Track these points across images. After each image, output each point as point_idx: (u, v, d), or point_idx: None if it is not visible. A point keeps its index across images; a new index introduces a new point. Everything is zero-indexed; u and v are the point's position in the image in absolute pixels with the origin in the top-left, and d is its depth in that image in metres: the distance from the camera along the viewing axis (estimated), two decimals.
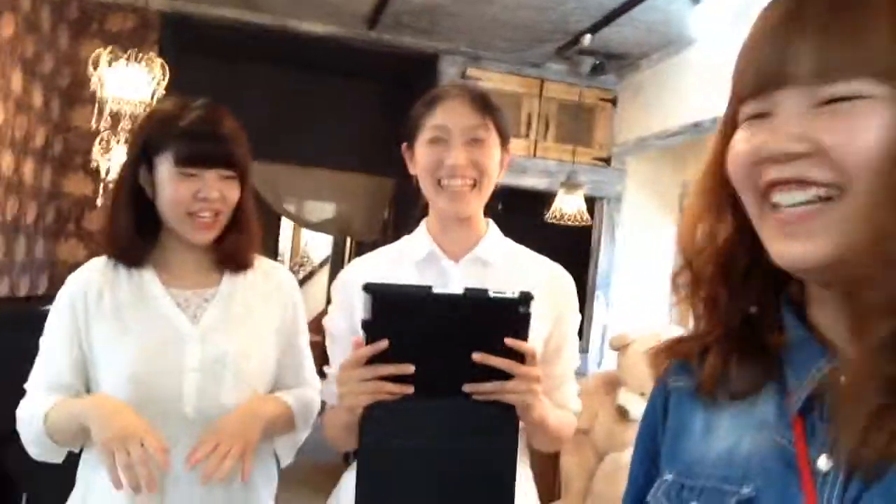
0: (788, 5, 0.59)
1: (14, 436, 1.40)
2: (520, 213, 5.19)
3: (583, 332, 4.73)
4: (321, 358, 1.45)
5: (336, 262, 8.14)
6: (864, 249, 0.55)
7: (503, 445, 1.09)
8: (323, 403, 1.49)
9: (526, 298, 1.01)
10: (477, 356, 1.02)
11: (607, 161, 4.85)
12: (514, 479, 1.08)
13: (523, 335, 1.04)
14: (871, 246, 0.54)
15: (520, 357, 1.05)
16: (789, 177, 0.57)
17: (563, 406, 1.36)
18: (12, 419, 1.40)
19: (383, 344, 1.03)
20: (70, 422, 1.32)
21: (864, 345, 0.56)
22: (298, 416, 1.47)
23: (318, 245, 9.72)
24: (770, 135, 0.58)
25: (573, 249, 4.57)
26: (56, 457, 1.41)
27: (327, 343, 1.42)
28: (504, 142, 1.37)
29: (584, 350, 4.63)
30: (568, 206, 4.22)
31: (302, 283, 8.57)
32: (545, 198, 4.54)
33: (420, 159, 1.35)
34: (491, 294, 1.02)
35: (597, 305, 4.80)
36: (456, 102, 1.33)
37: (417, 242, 1.40)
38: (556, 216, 4.21)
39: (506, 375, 1.04)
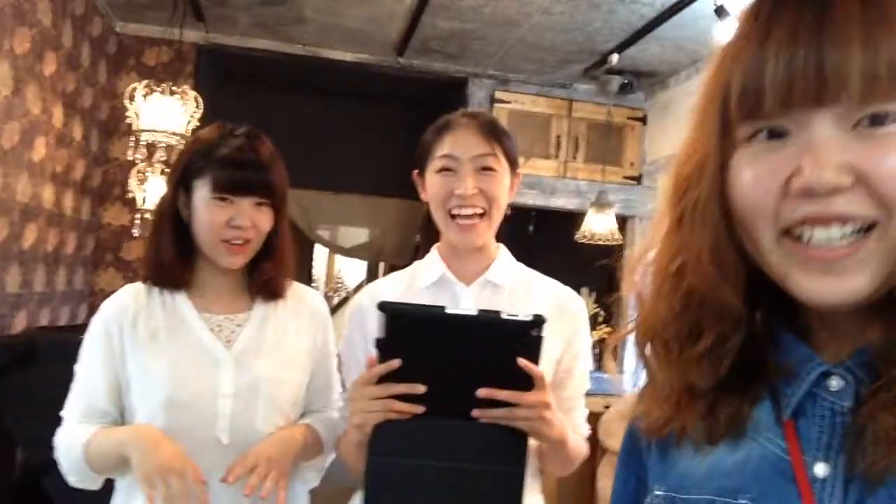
0: (806, 8, 0.52)
1: (54, 462, 1.42)
2: (551, 234, 5.19)
3: (617, 352, 4.68)
4: None
5: None
6: None
7: (511, 469, 1.08)
8: None
9: (538, 321, 1.01)
10: (482, 392, 1.02)
11: (638, 180, 4.83)
12: (521, 495, 1.08)
13: (535, 357, 1.04)
14: None
15: (529, 380, 1.04)
16: (829, 214, 0.51)
17: (573, 430, 1.34)
18: (52, 446, 1.42)
19: (396, 363, 1.03)
20: (110, 452, 1.33)
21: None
22: (326, 443, 1.48)
23: (353, 270, 9.77)
24: (809, 162, 0.51)
25: (605, 269, 4.52)
26: (94, 484, 1.43)
27: (342, 369, 1.43)
28: (513, 167, 1.38)
29: (620, 370, 4.58)
30: (599, 226, 4.20)
31: (337, 308, 8.61)
32: (576, 218, 4.53)
33: (430, 188, 1.36)
34: (504, 316, 1.02)
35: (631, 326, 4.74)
36: (465, 131, 1.34)
37: (429, 267, 1.41)
38: (586, 236, 4.19)
39: (516, 387, 1.04)
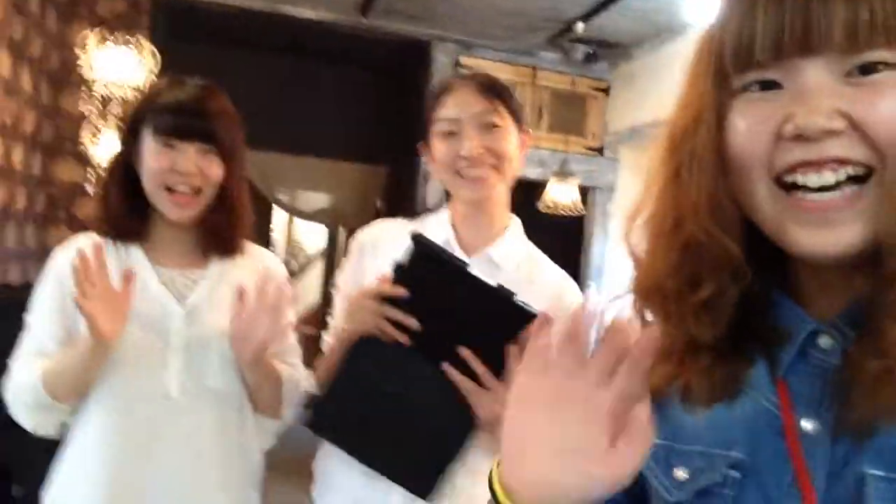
0: None
1: (6, 426, 1.39)
2: (512, 203, 5.18)
3: None
4: (314, 350, 1.44)
5: (330, 254, 8.10)
6: (894, 227, 0.52)
7: (456, 433, 1.16)
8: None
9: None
10: (465, 352, 1.08)
11: (600, 151, 4.85)
12: (450, 464, 1.16)
13: (520, 345, 1.08)
14: None
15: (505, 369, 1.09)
16: (821, 157, 0.53)
17: None
18: (3, 408, 1.39)
19: (403, 292, 1.11)
20: (69, 359, 1.33)
21: (893, 303, 0.53)
22: (286, 384, 1.47)
23: (312, 237, 9.69)
24: (799, 108, 0.53)
25: (566, 240, 4.58)
26: (53, 425, 1.40)
27: (335, 297, 1.44)
28: (519, 124, 1.36)
29: None
30: (562, 197, 4.22)
31: (295, 275, 8.53)
32: (538, 187, 4.54)
33: (436, 153, 1.35)
34: (516, 300, 1.08)
35: (590, 296, 4.80)
36: (464, 91, 1.33)
37: (437, 227, 1.39)
38: (549, 206, 4.21)
39: (493, 369, 1.09)
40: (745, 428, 0.60)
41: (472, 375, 1.10)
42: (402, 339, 1.11)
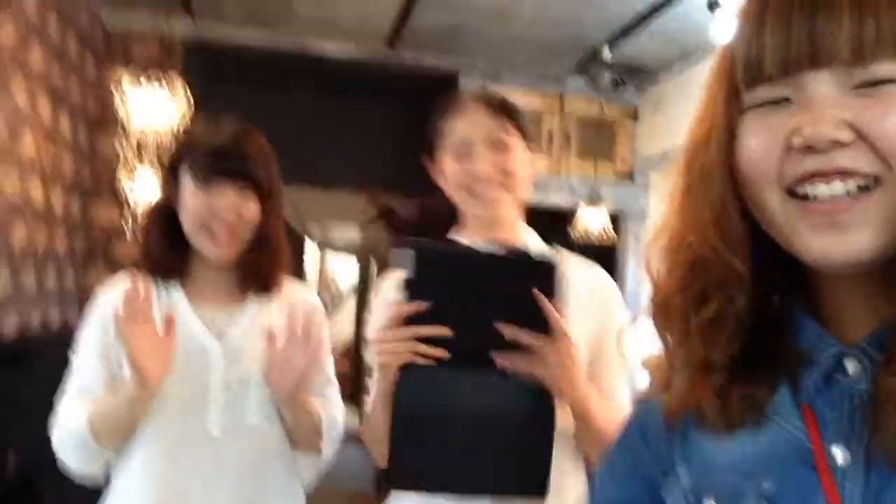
0: None
1: (47, 464, 1.40)
2: (544, 233, 5.16)
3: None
4: (349, 387, 1.43)
5: (362, 289, 8.13)
6: None
7: (538, 419, 1.09)
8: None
9: (557, 255, 1.03)
10: (504, 329, 1.02)
11: (630, 176, 4.82)
12: (550, 453, 1.08)
13: (555, 297, 1.04)
14: None
15: (551, 330, 1.04)
16: (831, 168, 0.53)
17: (609, 398, 1.30)
18: (47, 450, 1.40)
19: (424, 305, 1.03)
20: (116, 403, 1.33)
21: None
22: (324, 424, 1.46)
23: (344, 272, 9.74)
24: (807, 120, 0.53)
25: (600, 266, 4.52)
26: (97, 466, 1.40)
27: (367, 356, 1.38)
28: (528, 142, 1.35)
29: None
30: (593, 224, 4.19)
31: (328, 310, 8.53)
32: (569, 215, 4.52)
33: (448, 173, 1.34)
34: (533, 255, 1.04)
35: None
36: (474, 111, 1.32)
37: None
38: (581, 234, 4.18)
39: (539, 332, 1.04)
40: (773, 457, 0.58)
41: (522, 350, 1.05)
42: (441, 353, 1.04)
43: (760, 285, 0.61)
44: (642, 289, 4.74)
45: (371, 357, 1.36)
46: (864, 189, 0.53)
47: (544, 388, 1.07)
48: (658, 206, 4.75)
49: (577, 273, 1.34)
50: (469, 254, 1.05)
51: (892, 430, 0.52)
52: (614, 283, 1.39)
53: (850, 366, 0.57)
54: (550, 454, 1.09)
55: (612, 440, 1.16)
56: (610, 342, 1.34)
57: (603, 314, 1.33)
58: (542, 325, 1.03)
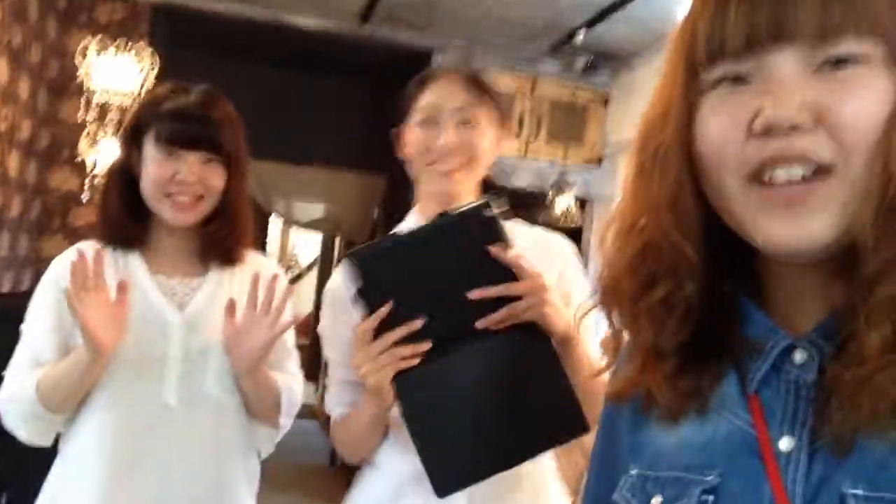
0: None
1: None
2: (510, 215, 5.17)
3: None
4: (308, 360, 1.42)
5: (324, 264, 8.08)
6: (866, 223, 0.51)
7: (544, 361, 1.08)
8: (327, 420, 1.45)
9: (486, 203, 1.02)
10: (473, 293, 1.01)
11: (599, 161, 4.84)
12: (570, 386, 1.07)
13: (502, 241, 1.04)
14: (873, 219, 0.51)
15: (512, 274, 1.04)
16: (790, 153, 0.52)
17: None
18: None
19: (385, 309, 1.01)
20: (66, 368, 1.30)
21: (871, 306, 0.52)
22: (284, 403, 1.44)
23: (306, 248, 9.68)
24: (769, 102, 0.52)
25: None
26: (47, 435, 1.38)
27: (325, 351, 1.37)
28: (502, 121, 1.33)
29: None
30: (558, 207, 4.21)
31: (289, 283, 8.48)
32: (536, 199, 4.52)
33: (410, 141, 1.31)
34: (462, 212, 1.03)
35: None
36: (447, 82, 1.29)
37: (406, 227, 1.34)
38: (548, 218, 4.19)
39: (509, 279, 1.04)
40: (720, 448, 0.58)
41: (496, 305, 1.04)
42: (424, 346, 1.02)
43: (710, 273, 0.60)
44: None
45: (333, 361, 1.33)
46: (821, 172, 0.52)
47: (535, 330, 1.07)
48: None
49: (525, 237, 1.32)
50: (405, 238, 1.03)
51: (837, 417, 0.52)
52: (567, 241, 1.39)
53: (798, 356, 0.57)
54: (571, 387, 1.07)
55: (597, 383, 1.15)
56: (569, 298, 1.29)
57: (558, 270, 1.31)
58: (504, 272, 1.03)
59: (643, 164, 0.62)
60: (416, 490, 1.18)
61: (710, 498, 0.57)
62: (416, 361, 1.03)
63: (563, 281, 1.30)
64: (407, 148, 1.32)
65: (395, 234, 1.06)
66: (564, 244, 1.38)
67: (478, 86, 1.29)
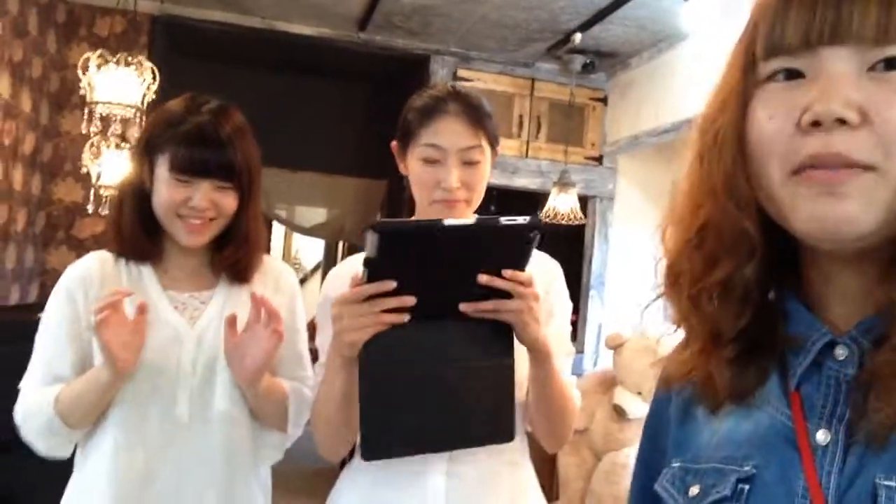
0: None
1: (10, 447, 1.38)
2: (513, 214, 5.18)
3: (577, 332, 4.73)
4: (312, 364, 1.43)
5: (328, 268, 8.10)
6: None
7: (500, 360, 1.11)
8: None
9: (535, 224, 1.03)
10: (483, 278, 1.04)
11: (599, 160, 4.85)
12: (513, 398, 1.12)
13: (524, 262, 1.07)
14: None
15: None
16: (832, 150, 0.53)
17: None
18: (6, 430, 1.38)
19: (390, 285, 1.03)
20: (84, 385, 1.31)
21: None
22: (291, 403, 1.45)
23: (310, 251, 9.68)
24: (818, 97, 0.54)
25: (567, 249, 4.57)
26: (65, 448, 1.39)
27: (318, 335, 1.38)
28: (495, 145, 1.37)
29: (579, 350, 4.62)
30: (562, 206, 4.22)
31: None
32: (538, 198, 4.53)
33: (414, 174, 1.35)
34: (502, 220, 1.02)
35: (591, 305, 4.79)
36: (453, 120, 1.31)
37: None
38: (549, 216, 4.21)
39: (502, 297, 1.07)
40: (758, 441, 0.60)
41: (484, 300, 1.07)
42: (405, 317, 1.05)
43: (767, 261, 0.62)
44: (607, 270, 4.79)
45: (322, 339, 1.34)
46: (859, 168, 0.53)
47: (508, 335, 1.11)
48: (627, 189, 4.79)
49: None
50: (436, 229, 1.02)
51: (876, 410, 0.54)
52: (556, 264, 1.43)
53: (839, 351, 0.58)
54: (513, 399, 1.13)
55: (567, 407, 1.20)
56: (549, 318, 1.34)
57: (543, 291, 1.30)
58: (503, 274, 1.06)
59: (702, 151, 0.64)
60: (392, 489, 1.22)
61: (746, 486, 0.59)
62: (386, 327, 1.06)
63: (545, 300, 1.32)
64: (411, 177, 1.37)
65: (433, 220, 1.05)
66: (551, 265, 1.42)
67: (479, 119, 1.33)
